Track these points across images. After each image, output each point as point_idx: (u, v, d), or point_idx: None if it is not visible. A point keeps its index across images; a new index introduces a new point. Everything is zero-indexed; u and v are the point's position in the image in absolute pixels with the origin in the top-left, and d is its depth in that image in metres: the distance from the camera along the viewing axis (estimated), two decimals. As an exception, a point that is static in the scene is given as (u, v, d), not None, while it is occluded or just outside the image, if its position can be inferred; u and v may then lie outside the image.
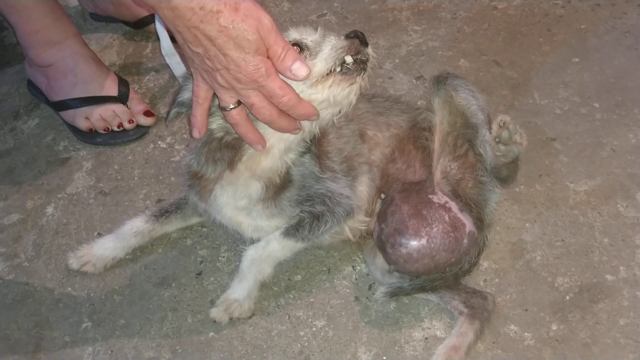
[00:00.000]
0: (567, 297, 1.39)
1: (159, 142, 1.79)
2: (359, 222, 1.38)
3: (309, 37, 1.20)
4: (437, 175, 1.37)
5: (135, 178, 1.70)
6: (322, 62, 1.15)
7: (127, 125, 1.77)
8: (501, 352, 1.31)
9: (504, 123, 1.26)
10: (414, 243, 1.25)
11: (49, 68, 1.79)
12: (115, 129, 1.77)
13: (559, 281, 1.42)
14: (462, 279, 1.38)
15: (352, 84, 1.16)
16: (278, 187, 1.31)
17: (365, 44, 1.18)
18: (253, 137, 1.20)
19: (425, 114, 1.44)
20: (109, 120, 1.77)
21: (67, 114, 1.79)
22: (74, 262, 1.49)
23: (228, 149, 1.25)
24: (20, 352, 1.36)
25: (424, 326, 1.36)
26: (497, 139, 1.27)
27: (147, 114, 1.81)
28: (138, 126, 1.80)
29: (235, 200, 1.33)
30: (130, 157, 1.76)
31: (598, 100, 1.82)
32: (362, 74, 1.17)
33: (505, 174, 1.36)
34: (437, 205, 1.28)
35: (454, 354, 1.25)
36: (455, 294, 1.34)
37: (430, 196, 1.31)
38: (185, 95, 1.24)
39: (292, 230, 1.33)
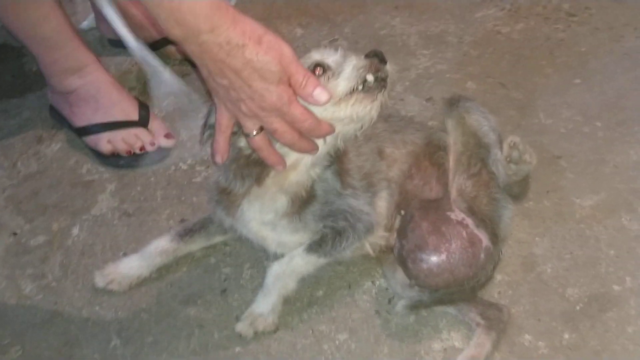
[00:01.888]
0: (577, 307, 1.44)
1: (180, 164, 1.86)
2: (379, 237, 1.45)
3: (330, 57, 1.27)
4: (453, 193, 1.43)
5: (158, 199, 1.77)
6: (344, 81, 1.22)
7: (149, 148, 1.84)
8: (518, 361, 1.37)
9: (514, 144, 1.34)
10: (434, 259, 1.31)
11: (71, 94, 1.87)
12: (138, 151, 1.84)
13: (569, 292, 1.48)
14: (478, 292, 1.45)
15: (373, 100, 1.23)
16: (303, 202, 1.37)
17: (384, 61, 1.25)
18: (275, 159, 1.27)
19: (440, 134, 1.52)
20: (131, 143, 1.84)
21: (90, 139, 1.86)
22: (100, 281, 1.54)
23: (256, 166, 1.31)
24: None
25: (442, 337, 1.42)
26: (508, 159, 1.35)
27: (168, 136, 1.88)
28: (159, 148, 1.87)
29: (262, 215, 1.39)
30: (152, 179, 1.82)
31: (600, 120, 1.90)
32: (382, 91, 1.23)
33: (517, 191, 1.44)
34: (455, 222, 1.35)
35: None
36: (472, 307, 1.40)
37: (448, 213, 1.37)
38: (214, 119, 1.31)
39: (315, 246, 1.39)
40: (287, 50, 1.15)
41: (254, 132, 1.22)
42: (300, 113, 1.18)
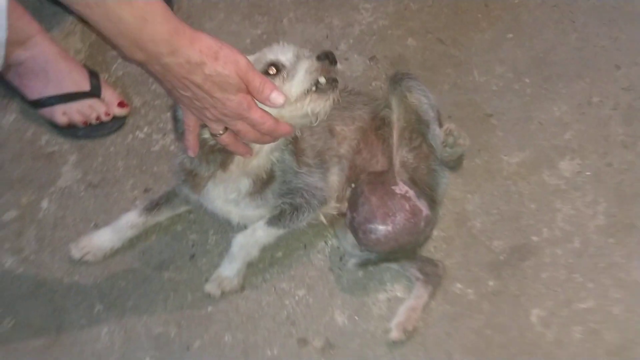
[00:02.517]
0: (501, 257, 1.70)
1: (137, 132, 1.94)
2: (332, 208, 1.63)
3: (283, 55, 1.38)
4: (397, 165, 1.60)
5: (120, 169, 1.86)
6: (298, 84, 1.34)
7: (104, 118, 1.90)
8: (449, 307, 1.62)
9: (449, 131, 1.51)
10: (381, 230, 1.50)
11: (20, 66, 1.87)
12: (94, 122, 1.90)
13: (494, 244, 1.72)
14: (418, 250, 1.67)
15: (326, 100, 1.35)
16: (263, 183, 1.52)
17: (334, 63, 1.36)
18: (242, 150, 1.41)
19: (385, 111, 1.67)
20: (86, 114, 1.89)
21: (45, 111, 1.90)
22: (76, 253, 1.67)
23: (219, 153, 1.44)
24: (44, 335, 1.57)
25: (387, 289, 1.65)
26: (444, 144, 1.52)
27: (121, 104, 1.94)
28: (115, 118, 1.93)
29: (226, 194, 1.54)
30: (112, 149, 1.90)
31: (529, 76, 2.06)
32: (334, 90, 1.36)
33: (453, 164, 1.62)
34: (399, 196, 1.54)
35: (412, 313, 1.55)
36: (412, 263, 1.63)
37: (393, 187, 1.55)
38: (181, 113, 1.40)
39: (275, 220, 1.56)
40: (242, 61, 1.25)
41: (220, 132, 1.35)
42: (259, 117, 1.30)
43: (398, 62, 2.10)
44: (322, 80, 1.34)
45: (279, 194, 1.54)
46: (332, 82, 1.35)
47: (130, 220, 1.67)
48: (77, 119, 1.89)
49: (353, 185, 1.62)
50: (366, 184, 1.58)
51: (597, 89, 2.00)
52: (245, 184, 1.51)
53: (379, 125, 1.67)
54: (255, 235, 1.57)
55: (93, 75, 1.94)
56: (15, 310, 1.60)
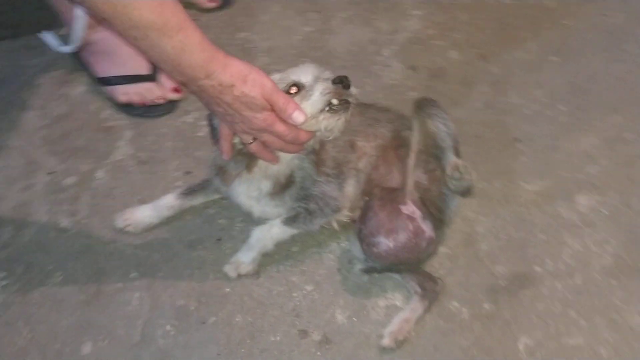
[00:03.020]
0: (501, 283, 1.79)
1: (186, 117, 2.13)
2: (344, 216, 1.78)
3: (304, 77, 1.55)
4: (409, 185, 1.72)
5: (167, 150, 2.07)
6: (313, 104, 1.51)
7: (159, 102, 2.10)
8: (442, 322, 1.74)
9: (457, 166, 1.60)
10: (383, 246, 1.64)
11: (93, 46, 2.08)
12: (150, 103, 2.10)
13: (497, 269, 1.82)
14: (421, 265, 1.79)
15: (338, 119, 1.53)
16: (283, 186, 1.70)
17: (347, 87, 1.53)
18: (269, 157, 1.60)
19: (407, 132, 1.77)
20: (144, 96, 2.09)
21: (108, 89, 2.12)
22: (119, 223, 1.90)
23: (246, 156, 1.62)
24: (85, 292, 1.81)
25: (387, 297, 1.79)
26: (450, 177, 1.62)
27: (176, 90, 2.13)
28: (168, 101, 2.13)
29: (249, 192, 1.74)
30: (163, 130, 2.11)
31: (564, 103, 2.10)
32: (345, 112, 1.53)
33: (462, 193, 1.72)
34: (405, 215, 1.66)
35: (405, 324, 1.69)
36: (414, 276, 1.76)
37: (401, 206, 1.67)
38: (217, 121, 1.59)
39: (290, 221, 1.73)
40: (268, 84, 1.42)
41: (250, 141, 1.53)
42: (282, 130, 1.48)
43: (437, 74, 2.17)
44: (335, 101, 1.51)
45: (296, 198, 1.71)
46: (345, 103, 1.52)
47: (169, 202, 1.88)
48: (135, 99, 2.09)
49: (366, 198, 1.75)
50: (377, 199, 1.71)
51: (631, 125, 2.01)
52: (266, 185, 1.69)
53: (399, 144, 1.77)
54: (272, 231, 1.75)
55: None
56: (65, 267, 1.85)
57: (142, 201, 1.95)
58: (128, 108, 2.12)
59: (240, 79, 1.39)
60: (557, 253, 1.84)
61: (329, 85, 1.51)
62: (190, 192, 1.90)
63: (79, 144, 2.08)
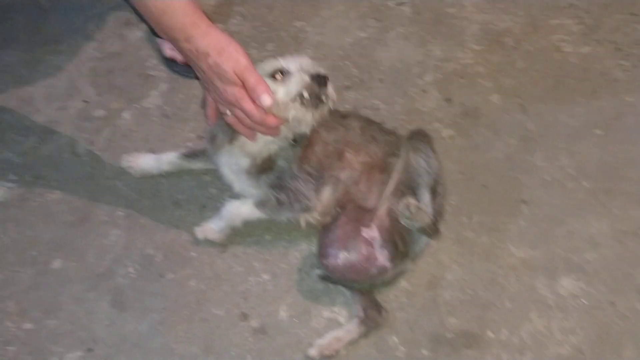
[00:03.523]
0: (448, 335, 1.75)
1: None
2: (313, 218, 1.80)
3: (293, 65, 1.61)
4: (380, 211, 1.71)
5: (192, 111, 2.18)
6: (285, 92, 1.58)
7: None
8: (375, 353, 1.74)
9: (407, 206, 1.58)
10: (332, 260, 1.66)
11: None
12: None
13: (450, 321, 1.77)
14: (375, 289, 1.79)
15: (306, 113, 1.58)
16: (259, 168, 1.76)
17: (323, 85, 1.57)
18: (244, 132, 1.66)
19: (395, 158, 1.76)
20: (187, 56, 2.21)
21: (159, 40, 2.25)
22: (124, 163, 2.03)
23: (230, 128, 1.69)
24: (75, 215, 1.97)
25: (333, 310, 1.80)
26: (401, 214, 1.60)
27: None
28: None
29: (230, 164, 1.81)
30: (194, 92, 2.22)
31: (590, 181, 1.97)
32: (315, 108, 1.59)
33: (425, 235, 1.69)
34: (363, 238, 1.66)
35: (335, 343, 1.71)
36: (362, 299, 1.76)
37: (363, 228, 1.68)
38: None
39: (260, 205, 1.79)
40: (242, 61, 1.50)
41: (226, 112, 1.61)
42: (250, 109, 1.55)
43: (470, 113, 2.11)
44: (306, 95, 1.56)
45: (270, 185, 1.76)
46: (316, 100, 1.57)
47: (170, 159, 2.00)
48: (179, 56, 2.21)
49: (338, 209, 1.76)
50: (346, 213, 1.72)
51: (652, 225, 1.87)
52: (244, 161, 1.77)
53: (386, 168, 1.76)
54: (241, 208, 1.82)
55: (209, 24, 2.24)
56: (66, 187, 2.02)
57: (151, 150, 2.08)
58: (171, 63, 2.25)
59: (217, 49, 1.47)
60: (516, 325, 1.75)
61: (306, 78, 1.57)
62: (192, 155, 2.00)
63: (118, 83, 2.24)
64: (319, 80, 1.56)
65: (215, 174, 2.04)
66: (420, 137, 1.73)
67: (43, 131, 2.13)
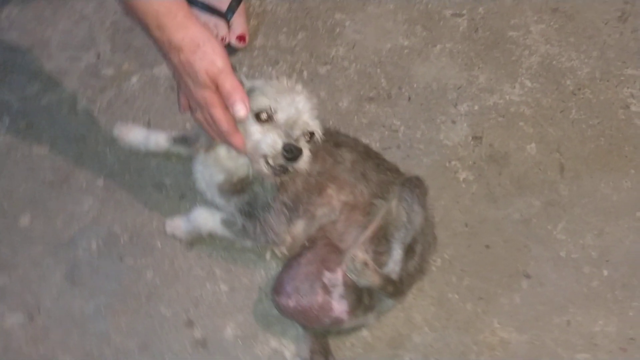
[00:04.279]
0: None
1: (238, 68, 2.05)
2: (279, 251, 1.64)
3: (283, 113, 1.43)
4: (353, 254, 1.51)
5: (200, 89, 2.03)
6: (253, 143, 1.41)
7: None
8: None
9: (353, 259, 1.38)
10: (283, 299, 1.51)
11: None
12: (211, 39, 2.06)
13: (402, 386, 1.60)
14: (330, 333, 1.62)
15: (267, 173, 1.42)
16: (233, 187, 1.60)
17: (291, 160, 1.39)
18: (211, 134, 1.48)
19: (381, 202, 1.54)
20: (209, 27, 2.04)
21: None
22: (115, 131, 1.92)
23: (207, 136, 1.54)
24: (55, 175, 1.90)
25: (281, 341, 1.67)
26: (347, 268, 1.40)
27: (241, 38, 2.06)
28: (229, 45, 2.07)
29: (204, 173, 1.66)
30: (209, 69, 2.07)
31: (612, 270, 1.68)
32: (277, 175, 1.42)
33: (389, 295, 1.48)
34: (322, 283, 1.49)
35: None
36: (312, 340, 1.60)
37: (326, 273, 1.50)
38: None
39: (227, 223, 1.64)
40: (219, 63, 1.33)
41: (195, 109, 1.45)
42: (219, 117, 1.39)
43: (497, 159, 1.84)
44: (270, 162, 1.40)
45: (240, 209, 1.60)
46: (280, 168, 1.40)
47: (159, 141, 1.87)
48: (203, 28, 2.06)
49: (307, 244, 1.59)
50: (313, 252, 1.54)
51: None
52: (219, 177, 1.60)
53: (369, 210, 1.56)
54: (209, 219, 1.68)
55: (236, 0, 2.06)
56: (55, 144, 1.95)
57: (147, 123, 1.98)
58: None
59: (191, 46, 1.30)
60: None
61: (278, 145, 1.38)
62: (182, 140, 1.87)
63: (136, 44, 2.12)
64: (290, 153, 1.37)
65: (203, 164, 1.92)
66: (412, 186, 1.51)
67: (49, 79, 2.06)
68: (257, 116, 1.41)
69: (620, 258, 1.69)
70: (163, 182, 1.90)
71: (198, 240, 1.77)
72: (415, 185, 1.51)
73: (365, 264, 1.40)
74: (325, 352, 1.60)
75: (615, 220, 1.74)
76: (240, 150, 1.43)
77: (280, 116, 1.41)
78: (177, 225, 1.78)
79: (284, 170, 1.39)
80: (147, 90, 2.05)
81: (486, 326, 1.65)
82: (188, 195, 1.87)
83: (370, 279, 1.42)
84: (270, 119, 1.40)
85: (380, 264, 1.51)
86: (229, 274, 1.76)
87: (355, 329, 1.63)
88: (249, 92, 1.44)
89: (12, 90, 2.03)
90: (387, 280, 1.45)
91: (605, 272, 1.68)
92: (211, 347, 1.68)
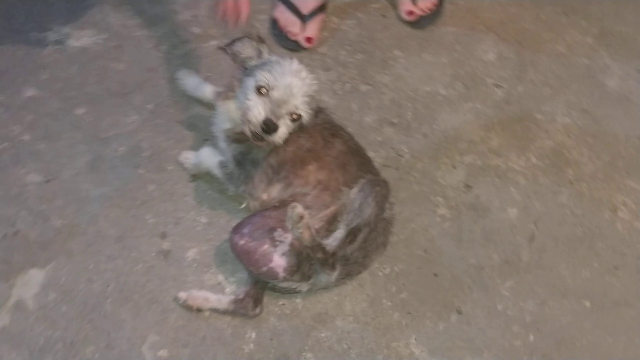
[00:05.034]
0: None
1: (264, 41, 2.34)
2: (252, 205, 1.88)
3: (280, 89, 1.72)
4: (307, 220, 1.70)
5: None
6: (241, 102, 1.75)
7: (290, 37, 2.38)
8: (228, 334, 1.77)
9: (294, 208, 1.57)
10: (236, 238, 1.74)
11: None
12: (284, 32, 2.39)
13: (306, 356, 1.74)
14: (267, 288, 1.81)
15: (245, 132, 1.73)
16: (235, 138, 1.88)
17: (266, 133, 1.69)
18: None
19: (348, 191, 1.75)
20: (285, 24, 2.39)
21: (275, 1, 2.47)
22: (179, 74, 2.25)
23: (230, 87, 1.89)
24: (118, 88, 2.28)
25: (227, 279, 1.87)
26: (287, 215, 1.60)
27: (308, 39, 2.37)
28: (297, 42, 2.39)
29: (218, 119, 1.96)
30: (280, 51, 2.39)
31: (537, 338, 1.76)
32: (255, 140, 1.72)
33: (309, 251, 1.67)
34: (272, 236, 1.71)
35: (202, 301, 1.78)
36: (251, 286, 1.80)
37: (280, 229, 1.72)
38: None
39: (221, 165, 1.92)
40: None
41: None
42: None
43: (477, 209, 1.99)
44: (247, 129, 1.72)
45: (234, 155, 1.87)
46: (255, 136, 1.71)
47: (206, 91, 2.18)
48: (281, 21, 2.40)
49: (277, 203, 1.81)
50: (278, 211, 1.76)
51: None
52: (226, 124, 1.90)
53: (337, 195, 1.76)
54: (209, 158, 1.97)
55: (321, 8, 2.40)
56: (131, 67, 2.33)
57: (206, 78, 2.30)
58: (273, 23, 2.45)
59: None
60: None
61: (260, 117, 1.68)
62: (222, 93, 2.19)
63: (182, 21, 2.49)
64: (267, 127, 1.67)
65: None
66: (375, 184, 1.71)
67: (150, 19, 2.45)
68: (258, 88, 1.71)
69: (550, 331, 1.77)
70: (196, 124, 2.20)
71: (201, 176, 2.05)
72: (378, 184, 1.71)
73: (301, 217, 1.60)
74: (257, 299, 1.80)
75: (560, 298, 1.82)
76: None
77: (275, 94, 1.70)
78: (188, 157, 2.07)
79: (260, 138, 1.67)
80: (218, 55, 2.39)
81: (403, 337, 1.77)
82: (210, 141, 2.16)
83: (303, 233, 1.60)
84: (267, 93, 1.70)
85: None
86: (212, 211, 2.01)
87: (289, 292, 1.80)
88: (262, 64, 1.76)
89: (117, 17, 2.46)
90: (319, 245, 1.63)
91: (532, 338, 1.76)
92: (171, 260, 1.91)
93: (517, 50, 2.34)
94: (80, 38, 2.39)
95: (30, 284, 1.90)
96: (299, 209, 1.59)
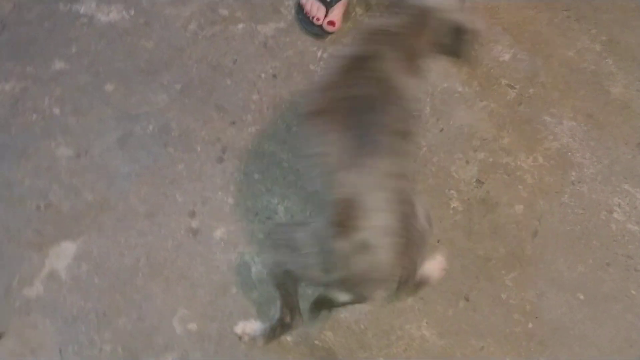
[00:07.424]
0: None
1: (318, 51, 2.43)
2: None
3: None
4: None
5: (289, 54, 2.42)
6: None
7: (315, 22, 2.45)
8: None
9: None
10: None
11: None
12: (309, 16, 2.46)
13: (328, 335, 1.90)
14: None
15: None
16: None
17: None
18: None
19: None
20: (311, 7, 2.46)
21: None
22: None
23: None
24: (147, 66, 2.34)
25: (253, 259, 2.00)
26: None
27: (331, 23, 2.43)
28: (321, 27, 2.46)
29: None
30: (299, 44, 2.46)
31: (536, 326, 1.93)
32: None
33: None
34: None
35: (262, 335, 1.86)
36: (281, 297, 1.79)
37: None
38: None
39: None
40: None
41: None
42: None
43: (487, 204, 2.14)
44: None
45: None
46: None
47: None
48: (307, 7, 2.47)
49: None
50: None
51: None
52: None
53: None
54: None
55: (345, -7, 2.48)
56: (159, 45, 2.39)
57: (234, 62, 2.37)
58: (298, 8, 2.51)
59: None
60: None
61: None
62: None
63: (254, 1, 2.54)
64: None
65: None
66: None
67: (176, -3, 2.53)
68: None
69: (547, 320, 1.95)
70: (224, 106, 2.28)
71: (232, 156, 2.16)
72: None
73: None
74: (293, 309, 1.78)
75: (557, 290, 2.00)
76: None
77: None
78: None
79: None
80: (246, 38, 2.46)
81: (416, 320, 1.93)
82: (237, 123, 2.25)
83: None
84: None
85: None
86: (239, 193, 2.12)
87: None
88: None
89: (147, -6, 2.50)
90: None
91: (530, 325, 1.94)
92: (199, 238, 2.03)
93: (531, 52, 2.45)
94: (109, 13, 2.43)
95: (62, 255, 2.00)
96: None
